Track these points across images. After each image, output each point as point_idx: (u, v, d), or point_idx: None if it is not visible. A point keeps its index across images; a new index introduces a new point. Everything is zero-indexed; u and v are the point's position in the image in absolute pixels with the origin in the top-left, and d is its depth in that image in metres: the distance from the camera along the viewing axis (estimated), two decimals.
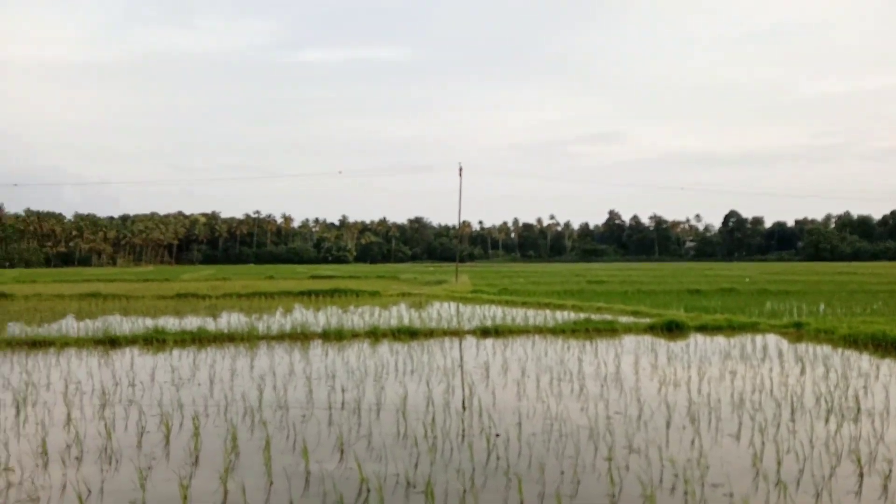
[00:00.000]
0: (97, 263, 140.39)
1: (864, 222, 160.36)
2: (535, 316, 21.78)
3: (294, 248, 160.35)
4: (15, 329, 18.94)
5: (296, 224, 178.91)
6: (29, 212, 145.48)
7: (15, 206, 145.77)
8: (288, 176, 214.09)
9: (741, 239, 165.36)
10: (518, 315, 22.01)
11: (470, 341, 16.59)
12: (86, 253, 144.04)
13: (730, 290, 33.75)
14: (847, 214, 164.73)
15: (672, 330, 17.88)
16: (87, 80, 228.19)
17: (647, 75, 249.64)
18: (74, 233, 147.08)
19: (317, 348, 15.52)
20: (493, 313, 22.59)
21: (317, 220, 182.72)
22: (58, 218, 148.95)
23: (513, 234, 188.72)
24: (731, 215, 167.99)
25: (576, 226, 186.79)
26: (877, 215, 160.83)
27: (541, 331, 17.98)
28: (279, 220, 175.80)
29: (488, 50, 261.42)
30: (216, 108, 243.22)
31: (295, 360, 13.64)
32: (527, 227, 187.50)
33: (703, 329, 18.18)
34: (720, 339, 16.48)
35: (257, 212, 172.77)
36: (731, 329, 18.04)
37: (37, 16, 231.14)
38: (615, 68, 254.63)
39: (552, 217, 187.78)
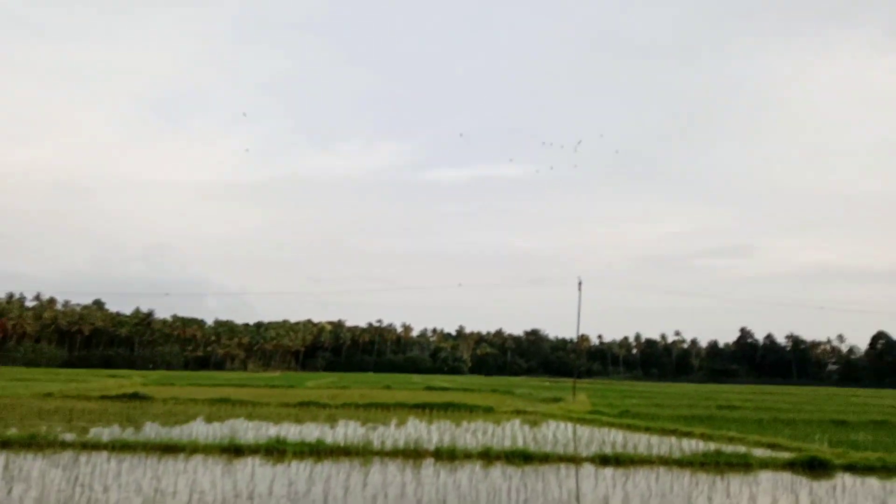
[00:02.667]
0: (230, 367, 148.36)
1: None
2: (658, 444, 20.46)
3: (412, 357, 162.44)
4: (151, 432, 20.16)
5: (415, 333, 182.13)
6: (175, 318, 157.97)
7: (164, 312, 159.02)
8: (411, 288, 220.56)
9: (892, 363, 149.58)
10: (640, 442, 20.77)
11: (588, 469, 15.78)
12: (221, 357, 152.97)
13: (882, 423, 30.24)
14: None
15: (815, 468, 16.17)
16: (234, 199, 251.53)
17: (776, 186, 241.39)
18: (213, 338, 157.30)
19: (429, 468, 15.33)
20: (613, 438, 21.46)
21: (434, 330, 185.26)
22: (199, 324, 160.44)
23: (634, 350, 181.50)
24: (880, 336, 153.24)
25: (703, 343, 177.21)
26: None
27: (666, 462, 16.82)
28: (399, 330, 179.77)
29: (609, 163, 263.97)
30: (349, 223, 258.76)
31: (407, 480, 13.51)
32: (650, 342, 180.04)
33: (852, 469, 16.29)
34: (873, 482, 14.68)
35: (379, 321, 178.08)
36: (885, 470, 16.06)
37: (191, 140, 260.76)
38: (741, 179, 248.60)
39: (677, 333, 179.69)
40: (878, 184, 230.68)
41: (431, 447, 17.60)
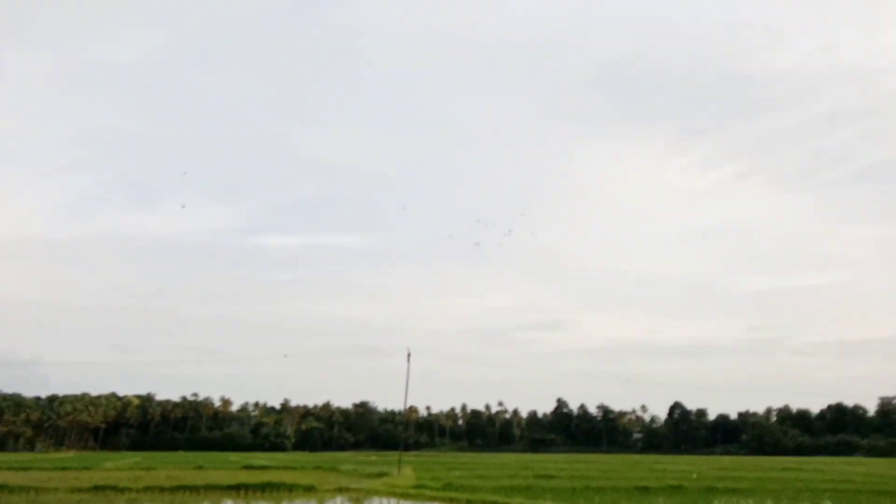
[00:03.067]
0: (14, 448, 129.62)
1: (803, 416, 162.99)
2: None
3: (230, 433, 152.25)
4: None
5: (235, 408, 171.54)
6: None
7: None
8: (232, 359, 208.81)
9: (686, 431, 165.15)
10: None
11: None
12: (3, 436, 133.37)
13: (677, 488, 32.97)
14: (787, 408, 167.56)
15: None
16: (37, 257, 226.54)
17: (590, 267, 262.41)
18: None
19: None
20: None
21: (257, 404, 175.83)
22: None
23: (461, 421, 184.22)
24: (676, 407, 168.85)
25: (524, 413, 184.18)
26: (814, 408, 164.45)
27: None
28: (217, 404, 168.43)
29: (439, 238, 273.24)
30: (166, 288, 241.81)
31: None
32: (475, 413, 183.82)
33: None
34: None
35: (195, 394, 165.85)
36: None
37: None
38: (561, 260, 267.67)
39: (500, 404, 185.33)
40: (674, 269, 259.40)
41: None
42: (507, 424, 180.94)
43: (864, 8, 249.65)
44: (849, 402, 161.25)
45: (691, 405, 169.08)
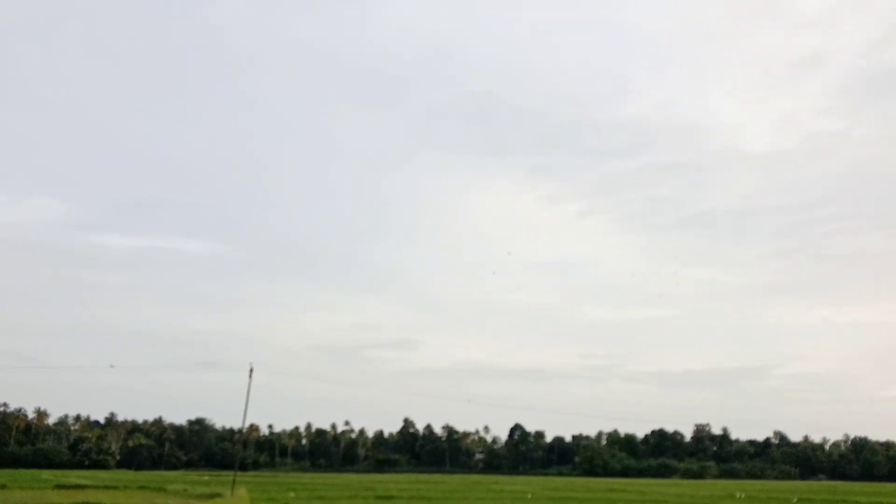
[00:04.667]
0: None
1: (629, 440, 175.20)
2: None
3: (43, 448, 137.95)
4: None
5: (51, 420, 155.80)
6: None
7: None
8: (51, 367, 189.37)
9: (525, 452, 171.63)
10: None
11: None
12: None
13: None
14: (616, 432, 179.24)
15: None
16: None
17: (440, 288, 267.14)
18: None
19: None
20: None
21: (78, 417, 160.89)
22: None
23: (304, 441, 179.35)
24: (516, 428, 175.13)
25: (370, 433, 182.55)
26: (640, 433, 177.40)
27: None
28: (31, 416, 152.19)
29: (290, 251, 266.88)
30: None
31: None
32: (320, 433, 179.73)
33: None
34: None
35: (5, 404, 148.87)
36: None
37: None
38: (412, 279, 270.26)
39: (347, 423, 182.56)
40: (521, 297, 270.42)
41: None
42: (352, 444, 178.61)
43: (696, 72, 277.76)
44: (669, 428, 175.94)
45: (530, 427, 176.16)
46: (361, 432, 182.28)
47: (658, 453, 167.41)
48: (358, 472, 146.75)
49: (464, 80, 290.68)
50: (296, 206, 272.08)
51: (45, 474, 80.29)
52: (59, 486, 47.17)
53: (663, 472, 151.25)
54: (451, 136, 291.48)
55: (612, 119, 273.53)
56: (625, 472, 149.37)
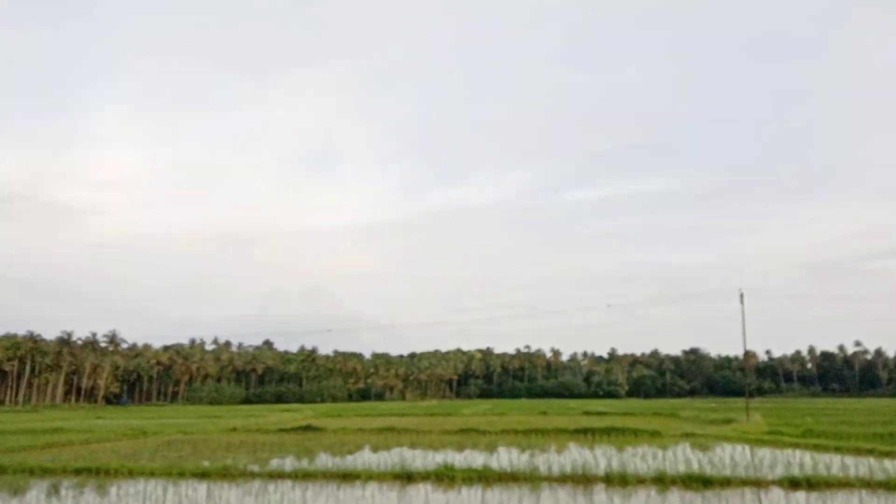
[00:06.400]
0: (390, 398, 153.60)
1: None
2: (855, 465, 18.51)
3: (564, 382, 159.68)
4: (326, 461, 21.23)
5: (564, 358, 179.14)
6: (336, 353, 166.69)
7: (325, 349, 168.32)
8: (556, 312, 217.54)
9: None
10: (833, 463, 18.90)
11: (776, 494, 14.59)
12: (380, 389, 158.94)
13: None
14: None
15: None
16: (377, 238, 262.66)
17: None
18: (371, 370, 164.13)
19: (600, 493, 14.89)
20: (800, 460, 19.71)
21: (585, 354, 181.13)
22: (358, 357, 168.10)
23: (809, 365, 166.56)
24: None
25: (891, 353, 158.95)
26: None
27: (868, 484, 15.17)
28: (548, 355, 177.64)
29: (756, 170, 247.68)
30: (487, 252, 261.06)
31: None
32: (826, 355, 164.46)
33: None
34: None
35: (527, 346, 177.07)
36: None
37: (335, 187, 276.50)
38: None
39: (858, 343, 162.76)
40: None
41: (600, 472, 17.12)
42: (870, 366, 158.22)
43: None
44: None
45: None
46: (879, 353, 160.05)
47: None
48: (882, 396, 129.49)
49: None
50: (751, 120, 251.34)
51: (572, 403, 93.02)
52: (586, 413, 54.18)
53: None
54: None
55: None
56: None
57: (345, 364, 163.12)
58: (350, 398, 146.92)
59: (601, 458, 21.11)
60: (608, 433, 32.20)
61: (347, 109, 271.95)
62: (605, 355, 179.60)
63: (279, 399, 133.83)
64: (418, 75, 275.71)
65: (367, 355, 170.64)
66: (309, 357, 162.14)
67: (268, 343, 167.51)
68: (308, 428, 37.18)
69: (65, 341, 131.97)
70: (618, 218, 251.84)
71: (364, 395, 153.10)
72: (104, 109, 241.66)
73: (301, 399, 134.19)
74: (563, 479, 16.79)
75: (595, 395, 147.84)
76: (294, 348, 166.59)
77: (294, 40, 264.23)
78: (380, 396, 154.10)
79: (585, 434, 32.19)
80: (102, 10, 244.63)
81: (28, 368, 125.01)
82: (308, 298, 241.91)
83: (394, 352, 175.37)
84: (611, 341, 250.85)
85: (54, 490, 16.03)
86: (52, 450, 26.11)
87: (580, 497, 14.35)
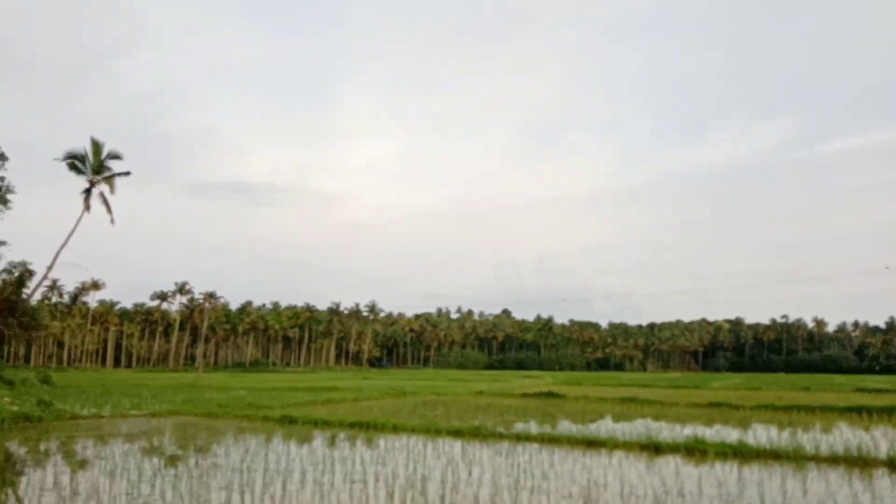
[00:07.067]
0: (629, 369, 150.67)
1: None
2: None
3: (829, 355, 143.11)
4: (569, 427, 21.56)
5: (830, 328, 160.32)
6: (572, 322, 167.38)
7: (561, 318, 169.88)
8: (817, 278, 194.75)
9: None
10: None
11: None
12: (619, 359, 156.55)
13: None
14: None
15: None
16: (610, 206, 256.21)
17: None
18: (609, 340, 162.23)
19: (882, 479, 13.22)
20: None
21: (856, 324, 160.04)
22: (595, 327, 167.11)
23: None
24: None
25: None
26: None
27: None
28: (810, 325, 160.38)
29: None
30: (731, 215, 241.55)
31: (858, 491, 11.89)
32: None
33: None
34: None
35: (785, 316, 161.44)
36: None
37: (564, 157, 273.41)
38: None
39: None
40: None
41: (881, 455, 15.17)
42: None
43: None
44: None
45: None
46: None
47: None
48: None
49: None
50: None
51: (839, 378, 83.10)
52: (859, 390, 47.98)
53: None
54: None
55: None
56: None
57: (581, 333, 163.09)
58: (588, 367, 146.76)
59: (881, 439, 18.69)
60: (890, 413, 28.28)
61: (570, 76, 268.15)
62: (883, 325, 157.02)
63: (519, 366, 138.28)
64: (647, 29, 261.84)
65: (604, 324, 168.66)
66: (545, 326, 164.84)
67: (506, 311, 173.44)
68: (549, 394, 37.99)
69: (334, 311, 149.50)
70: (889, 168, 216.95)
71: (602, 365, 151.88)
72: (354, 104, 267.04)
73: (540, 366, 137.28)
74: (833, 459, 15.19)
75: (870, 371, 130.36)
76: (530, 317, 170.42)
77: (511, 11, 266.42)
78: (619, 367, 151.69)
79: (860, 413, 28.63)
80: (346, 16, 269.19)
81: (307, 335, 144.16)
82: (541, 268, 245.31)
83: (631, 322, 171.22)
84: (889, 309, 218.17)
85: (332, 440, 18.40)
86: (329, 405, 29.90)
87: (856, 482, 12.89)
